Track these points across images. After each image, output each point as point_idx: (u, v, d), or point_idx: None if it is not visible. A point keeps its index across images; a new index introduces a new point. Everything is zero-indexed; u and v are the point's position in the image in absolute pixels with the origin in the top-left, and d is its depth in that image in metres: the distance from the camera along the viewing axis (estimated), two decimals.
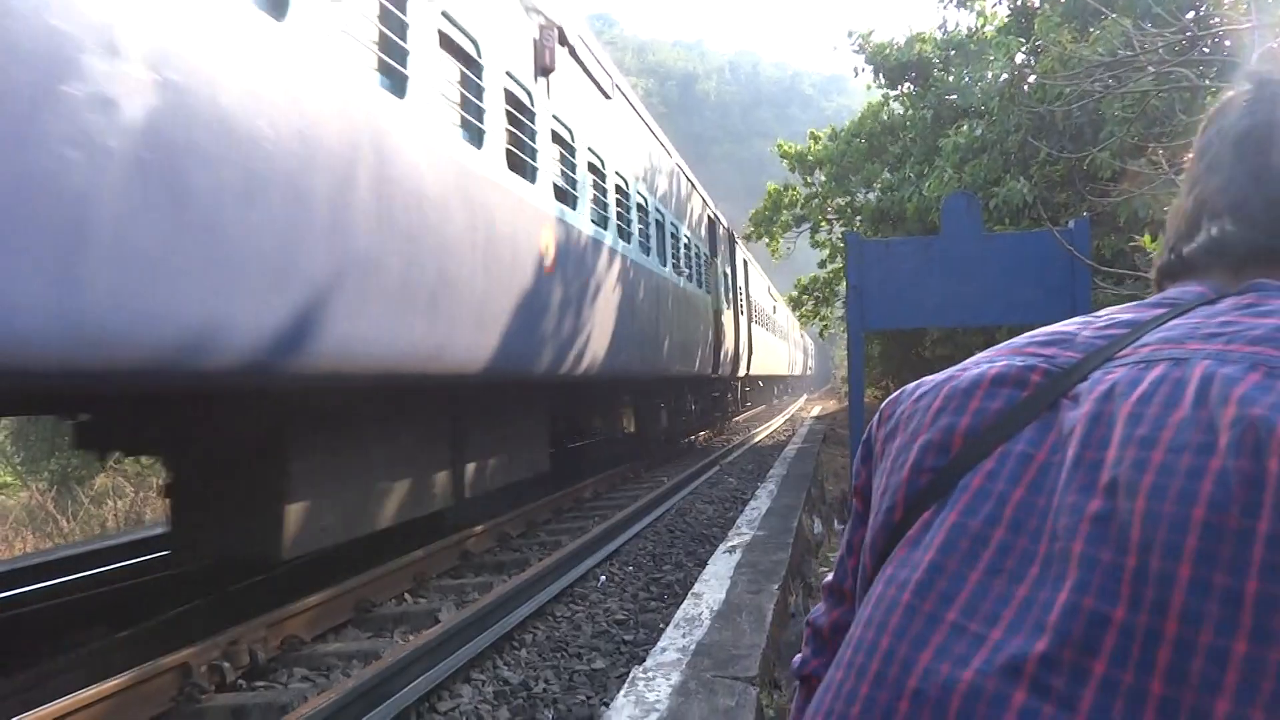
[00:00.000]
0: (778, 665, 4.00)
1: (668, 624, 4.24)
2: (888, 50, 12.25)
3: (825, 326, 19.62)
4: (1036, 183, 8.79)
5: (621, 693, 3.23)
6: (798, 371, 44.41)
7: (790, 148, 15.96)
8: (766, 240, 18.10)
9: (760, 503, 7.37)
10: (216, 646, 3.90)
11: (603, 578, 5.75)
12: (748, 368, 19.50)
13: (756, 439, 17.40)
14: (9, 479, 11.94)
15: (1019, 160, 9.29)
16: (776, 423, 22.93)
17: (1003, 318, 6.95)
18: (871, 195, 13.02)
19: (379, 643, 4.46)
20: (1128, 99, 7.42)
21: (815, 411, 24.80)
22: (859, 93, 14.42)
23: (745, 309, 19.27)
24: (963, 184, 9.25)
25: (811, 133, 15.81)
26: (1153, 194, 6.59)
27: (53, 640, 4.21)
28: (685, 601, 4.55)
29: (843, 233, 13.07)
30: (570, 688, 3.92)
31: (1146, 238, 3.44)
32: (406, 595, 5.40)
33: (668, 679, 3.37)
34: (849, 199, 14.35)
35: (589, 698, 3.79)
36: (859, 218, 13.69)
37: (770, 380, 34.01)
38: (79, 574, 5.60)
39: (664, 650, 3.76)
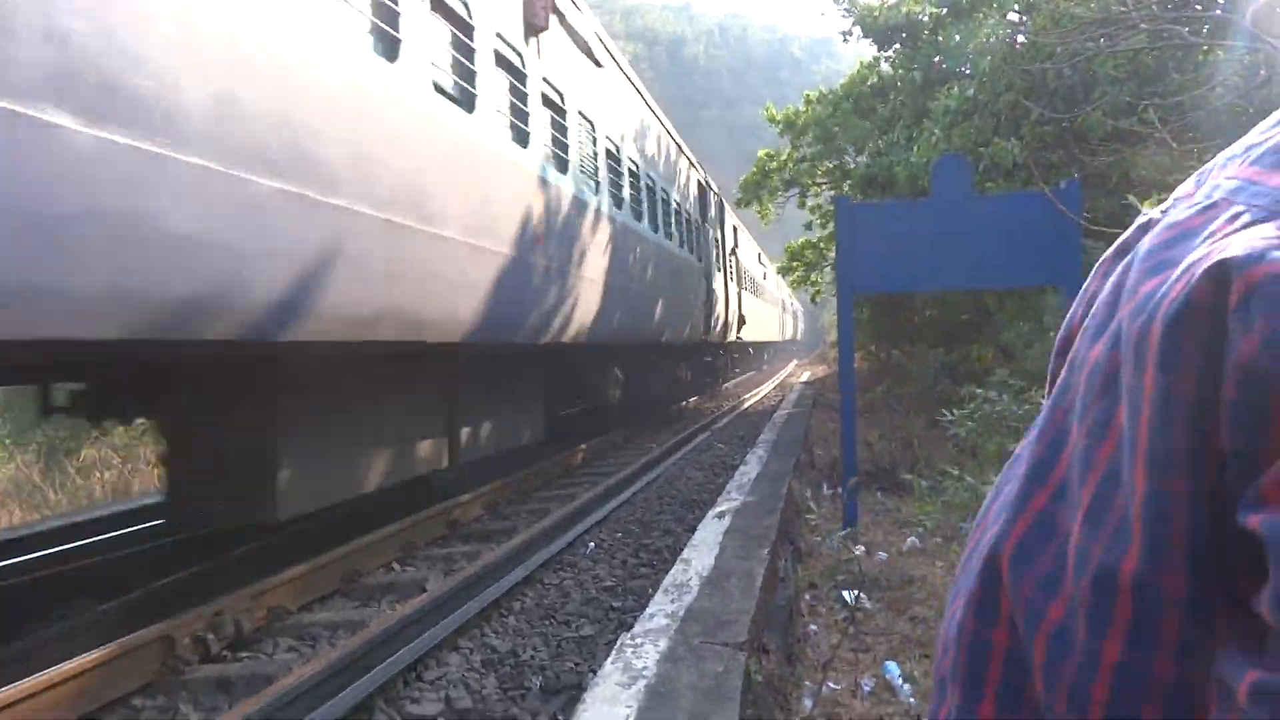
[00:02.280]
0: (767, 631, 3.99)
1: (656, 590, 4.22)
2: (876, 12, 12.10)
3: (817, 291, 19.56)
4: (1028, 143, 8.71)
5: (609, 659, 3.21)
6: (788, 336, 44.45)
7: (780, 113, 15.83)
8: (756, 206, 18.03)
9: (750, 468, 7.36)
10: (201, 618, 3.86)
11: (591, 544, 5.73)
12: (738, 334, 19.44)
13: (746, 405, 17.40)
14: None
15: (1010, 121, 9.19)
16: (766, 389, 22.95)
17: (993, 280, 6.92)
18: (861, 159, 12.93)
19: (366, 612, 4.43)
20: (1120, 58, 7.33)
21: (805, 377, 24.83)
22: (848, 56, 14.39)
23: (735, 275, 19.13)
24: (952, 147, 9.16)
25: (806, 95, 15.64)
26: (1146, 154, 6.53)
27: (35, 614, 4.16)
28: (674, 567, 4.53)
29: (832, 197, 12.99)
30: (558, 655, 3.90)
31: (1143, 200, 3.34)
32: (394, 564, 5.36)
33: (656, 645, 3.35)
34: (838, 163, 14.25)
35: (577, 665, 3.77)
36: (848, 182, 13.61)
37: (760, 346, 34.01)
38: (64, 546, 5.54)
39: (652, 616, 3.73)
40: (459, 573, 4.73)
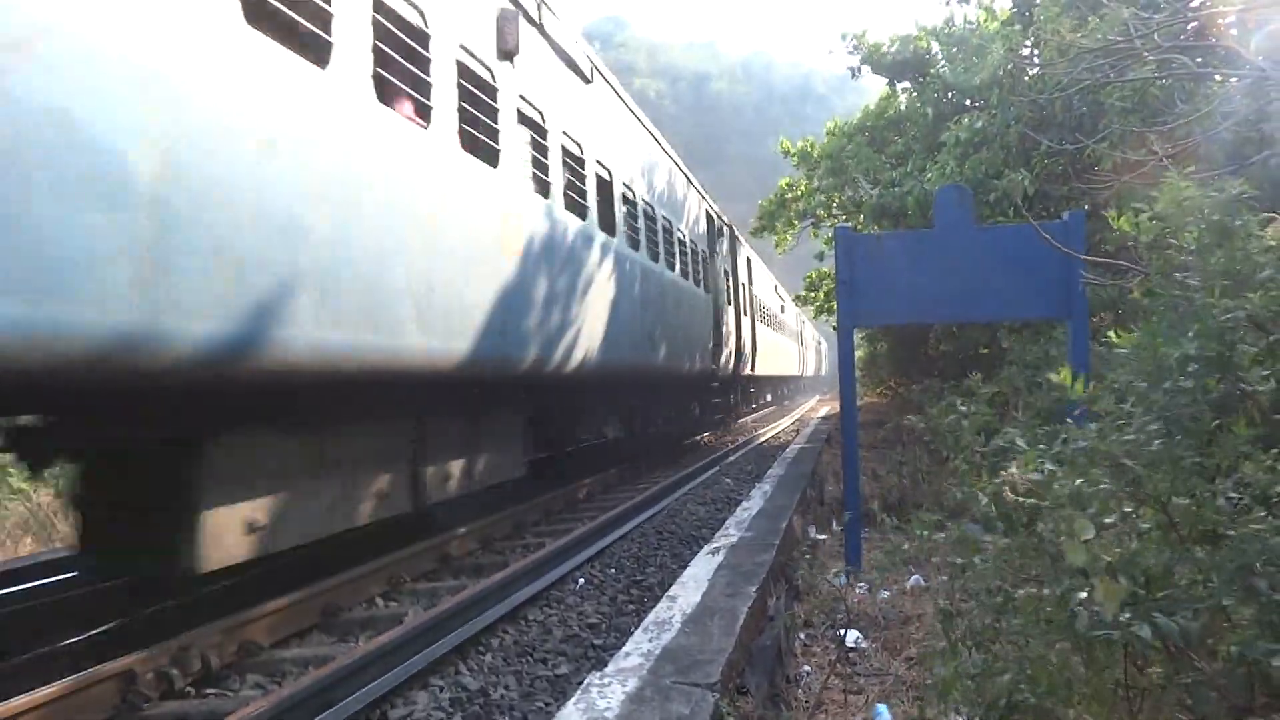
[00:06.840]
0: (749, 671, 3.84)
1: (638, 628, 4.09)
2: (883, 50, 12.11)
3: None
4: (1038, 175, 8.60)
5: (572, 700, 3.08)
6: (809, 372, 44.07)
7: (795, 146, 15.87)
8: (773, 235, 18.02)
9: (753, 503, 7.21)
10: (165, 652, 3.78)
11: (581, 580, 5.60)
12: (752, 367, 19.11)
13: (761, 439, 17.21)
14: None
15: (1020, 153, 9.09)
16: (784, 423, 22.72)
17: (996, 313, 6.77)
18: (875, 191, 12.86)
19: (342, 648, 4.33)
20: (1128, 88, 7.23)
21: (823, 412, 24.58)
22: (873, 91, 14.30)
23: (749, 308, 18.81)
24: (964, 178, 9.07)
25: (827, 128, 15.57)
26: (1146, 183, 6.38)
27: None
28: (659, 604, 4.40)
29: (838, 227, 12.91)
30: (529, 694, 3.77)
31: (1116, 216, 3.16)
32: (378, 599, 5.26)
33: (624, 685, 3.22)
34: (852, 194, 14.20)
35: (547, 705, 3.64)
36: (861, 214, 13.53)
37: (779, 381, 33.65)
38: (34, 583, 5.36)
39: (627, 655, 3.61)
40: (436, 607, 4.62)
